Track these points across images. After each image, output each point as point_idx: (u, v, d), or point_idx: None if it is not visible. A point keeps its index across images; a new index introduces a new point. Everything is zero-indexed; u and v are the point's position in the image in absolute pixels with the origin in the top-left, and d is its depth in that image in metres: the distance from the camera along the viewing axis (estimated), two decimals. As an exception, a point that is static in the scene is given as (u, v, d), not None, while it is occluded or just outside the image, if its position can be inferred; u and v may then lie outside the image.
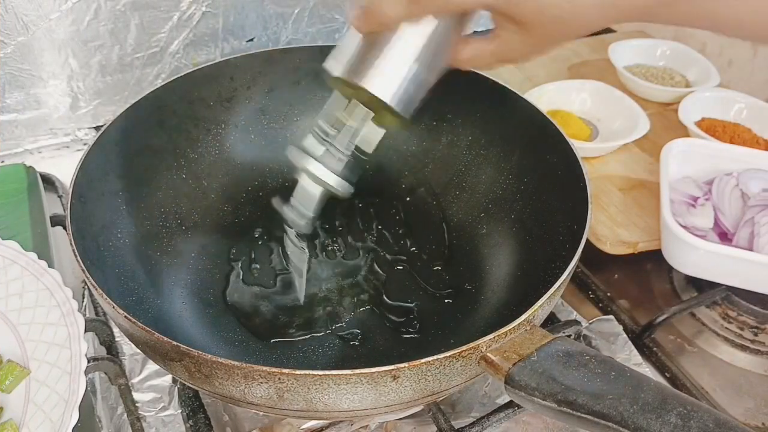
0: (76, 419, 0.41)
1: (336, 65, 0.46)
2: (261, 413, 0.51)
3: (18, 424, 0.43)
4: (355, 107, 0.48)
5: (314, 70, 0.67)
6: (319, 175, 0.48)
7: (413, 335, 0.55)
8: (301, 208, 0.51)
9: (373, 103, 0.46)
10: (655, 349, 0.59)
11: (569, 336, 0.56)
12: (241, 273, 0.59)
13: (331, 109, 0.49)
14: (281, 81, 0.66)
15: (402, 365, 0.37)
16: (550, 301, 0.43)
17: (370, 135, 0.50)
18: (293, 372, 0.37)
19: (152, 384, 0.53)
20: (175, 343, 0.38)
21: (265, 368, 0.37)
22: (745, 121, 0.79)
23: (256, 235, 0.62)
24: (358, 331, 0.55)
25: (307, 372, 0.37)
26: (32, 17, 0.69)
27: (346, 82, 0.45)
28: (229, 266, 0.59)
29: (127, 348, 0.55)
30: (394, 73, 0.44)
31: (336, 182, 0.49)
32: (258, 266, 0.60)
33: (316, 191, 0.49)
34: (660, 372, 0.58)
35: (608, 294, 0.64)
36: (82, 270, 0.43)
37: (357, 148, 0.49)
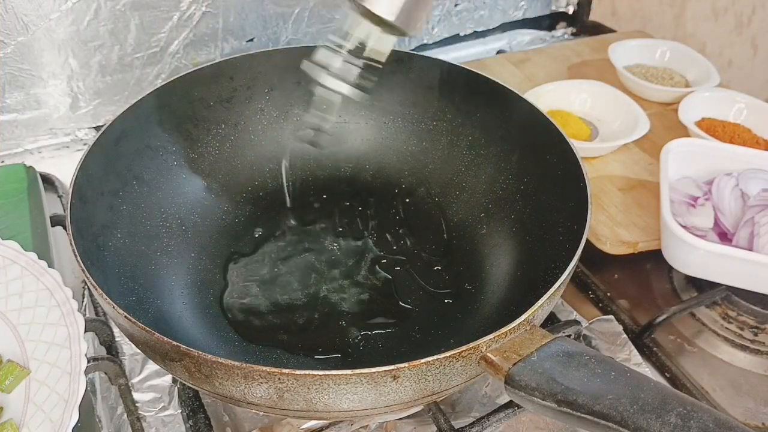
0: (76, 419, 0.41)
1: None
2: (261, 413, 0.51)
3: (18, 424, 0.43)
4: (363, 22, 0.51)
5: (314, 70, 0.67)
6: (333, 86, 0.52)
7: (413, 335, 0.55)
8: (322, 114, 0.55)
9: (379, 20, 0.49)
10: (655, 349, 0.59)
11: (569, 336, 0.56)
12: (241, 273, 0.59)
13: (343, 25, 0.52)
14: (281, 81, 0.67)
15: (402, 365, 0.37)
16: (550, 301, 0.43)
17: (381, 44, 0.52)
18: (293, 372, 0.37)
19: (152, 384, 0.53)
20: (175, 343, 0.38)
21: (265, 368, 0.37)
22: (745, 121, 0.79)
23: (257, 235, 0.63)
24: (358, 331, 0.55)
25: (307, 372, 0.37)
26: (32, 17, 0.69)
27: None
28: (229, 267, 0.59)
29: (127, 348, 0.55)
30: None
31: (348, 91, 0.52)
32: (258, 267, 0.60)
33: (334, 99, 0.54)
34: (660, 372, 0.58)
35: (608, 294, 0.64)
36: (82, 270, 0.43)
37: (370, 58, 0.53)
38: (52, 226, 0.62)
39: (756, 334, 0.61)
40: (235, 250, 0.61)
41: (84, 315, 0.51)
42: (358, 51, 0.52)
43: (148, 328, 0.39)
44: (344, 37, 0.52)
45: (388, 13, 0.47)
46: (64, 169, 0.66)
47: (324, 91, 0.53)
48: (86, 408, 0.48)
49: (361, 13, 0.50)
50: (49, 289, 0.49)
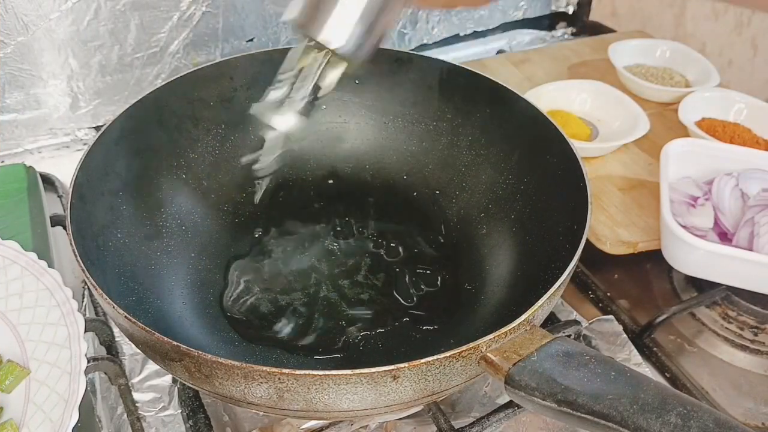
0: (76, 419, 0.41)
1: (292, 13, 0.47)
2: (261, 413, 0.51)
3: (18, 424, 0.43)
4: (311, 52, 0.49)
5: (314, 70, 0.67)
6: (277, 126, 0.51)
7: (413, 335, 0.55)
8: (266, 154, 0.53)
9: (326, 49, 0.47)
10: (655, 349, 0.59)
11: (569, 336, 0.56)
12: (241, 273, 0.59)
13: (293, 54, 0.50)
14: (281, 81, 0.66)
15: (402, 365, 0.37)
16: (550, 301, 0.43)
17: (328, 76, 0.50)
18: (293, 372, 0.37)
19: (152, 384, 0.53)
20: (175, 343, 0.38)
21: (265, 368, 0.37)
22: (745, 121, 0.79)
23: (256, 236, 0.63)
24: (358, 331, 0.55)
25: (307, 372, 0.37)
26: (32, 17, 0.69)
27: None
28: (229, 267, 0.59)
29: (127, 348, 0.55)
30: (343, 20, 0.44)
31: (291, 127, 0.51)
32: (258, 267, 0.60)
33: (276, 137, 0.52)
34: (660, 372, 0.58)
35: (608, 294, 0.64)
36: (82, 270, 0.43)
37: (317, 88, 0.51)
38: (52, 226, 0.62)
39: (756, 334, 0.61)
40: (235, 250, 0.61)
41: (84, 315, 0.51)
42: (305, 82, 0.50)
43: (148, 328, 0.39)
44: (290, 68, 0.50)
45: (334, 41, 0.45)
46: (64, 169, 0.66)
47: (272, 132, 0.52)
48: (86, 408, 0.48)
49: (308, 43, 0.48)
50: (49, 289, 0.49)
